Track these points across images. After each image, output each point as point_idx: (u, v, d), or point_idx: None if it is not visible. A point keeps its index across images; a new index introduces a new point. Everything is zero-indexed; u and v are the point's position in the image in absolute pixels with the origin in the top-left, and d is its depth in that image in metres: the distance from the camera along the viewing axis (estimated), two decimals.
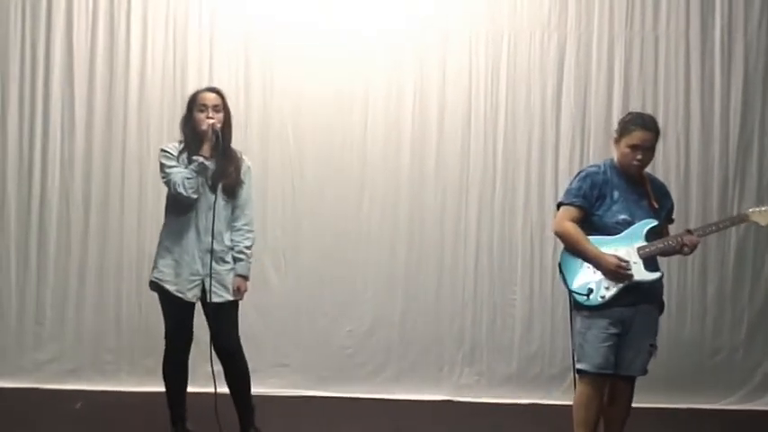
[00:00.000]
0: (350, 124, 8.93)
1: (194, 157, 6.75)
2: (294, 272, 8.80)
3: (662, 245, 6.31)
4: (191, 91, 8.24)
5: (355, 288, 8.93)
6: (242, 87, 8.77)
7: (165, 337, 6.97)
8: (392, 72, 8.94)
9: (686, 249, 6.35)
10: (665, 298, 6.76)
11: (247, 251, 6.91)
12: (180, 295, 6.78)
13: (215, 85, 7.92)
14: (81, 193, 8.78)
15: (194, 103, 6.89)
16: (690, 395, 8.81)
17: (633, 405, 6.56)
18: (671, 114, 8.92)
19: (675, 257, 8.18)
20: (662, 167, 8.55)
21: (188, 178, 6.69)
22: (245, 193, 6.96)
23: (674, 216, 6.67)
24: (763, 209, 6.49)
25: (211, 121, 6.78)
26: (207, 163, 6.71)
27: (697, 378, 8.90)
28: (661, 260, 6.50)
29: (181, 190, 6.66)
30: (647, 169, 6.66)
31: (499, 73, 8.94)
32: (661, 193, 6.53)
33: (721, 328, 9.02)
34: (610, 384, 6.46)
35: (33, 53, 8.77)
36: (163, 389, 7.59)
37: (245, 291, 6.90)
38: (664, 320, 8.02)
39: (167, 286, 6.78)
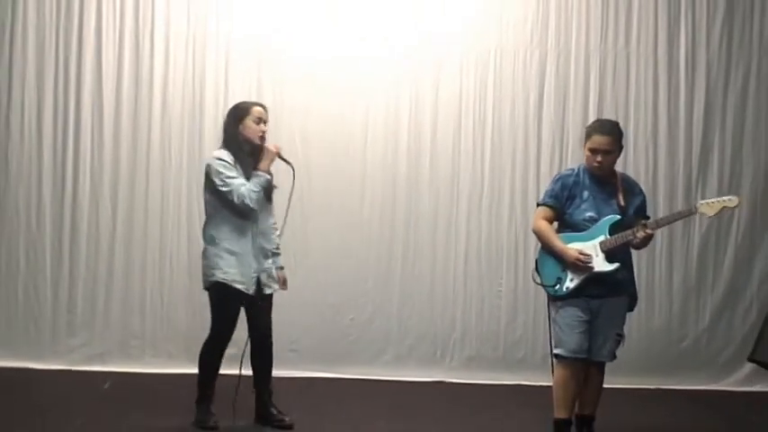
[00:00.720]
0: (352, 136, 9.17)
1: (260, 173, 6.88)
2: (302, 268, 8.91)
3: (620, 239, 6.55)
4: (209, 104, 8.76)
5: (357, 282, 9.16)
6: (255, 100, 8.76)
7: (214, 330, 7.05)
8: (390, 88, 9.18)
9: (636, 241, 6.57)
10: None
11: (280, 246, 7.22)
12: (247, 292, 6.93)
13: (229, 99, 8.32)
14: (109, 197, 8.96)
15: (248, 114, 6.98)
16: (659, 377, 9.10)
17: (609, 386, 6.88)
18: (640, 122, 9.23)
19: (645, 252, 8.62)
20: (632, 169, 8.75)
21: (255, 191, 6.81)
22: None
23: (648, 213, 6.86)
24: (709, 201, 6.67)
25: (278, 144, 7.04)
26: (270, 179, 6.95)
27: (665, 362, 9.19)
28: (632, 254, 6.80)
29: (248, 203, 6.79)
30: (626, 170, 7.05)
31: (486, 86, 9.22)
32: (631, 191, 6.80)
33: (687, 316, 9.31)
34: (584, 368, 6.74)
35: (66, 71, 8.94)
36: (182, 370, 8.05)
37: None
38: (634, 310, 8.52)
39: (236, 285, 6.89)
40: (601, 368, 6.83)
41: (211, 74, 9.08)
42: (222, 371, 7.12)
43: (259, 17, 9.10)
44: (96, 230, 9.01)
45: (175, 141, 9.05)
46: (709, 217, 6.93)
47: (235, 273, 6.92)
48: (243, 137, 6.97)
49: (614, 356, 6.79)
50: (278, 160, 7.05)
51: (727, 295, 9.38)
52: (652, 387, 9.03)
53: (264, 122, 7.02)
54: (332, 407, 7.95)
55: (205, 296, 7.15)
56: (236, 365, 7.01)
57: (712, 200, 6.73)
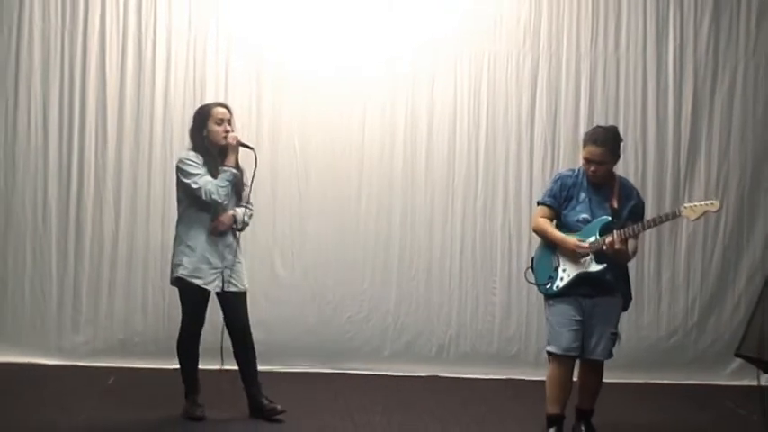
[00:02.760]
0: (349, 136, 9.15)
1: (225, 168, 6.96)
2: (300, 265, 9.00)
3: (599, 243, 6.55)
4: None
5: (354, 279, 9.15)
6: (254, 103, 8.95)
7: (182, 324, 7.22)
8: (386, 91, 9.17)
9: (605, 248, 6.52)
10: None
11: (250, 209, 7.26)
12: (206, 287, 7.01)
13: (230, 102, 8.33)
14: (112, 196, 8.94)
15: (209, 117, 7.07)
16: (649, 372, 9.12)
17: (603, 380, 6.89)
18: (630, 123, 9.25)
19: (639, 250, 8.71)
20: (622, 169, 8.48)
21: (221, 186, 6.91)
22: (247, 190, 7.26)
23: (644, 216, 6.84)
24: (693, 204, 6.63)
25: (235, 134, 7.03)
26: (237, 173, 7.01)
27: (655, 357, 9.22)
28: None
29: (215, 197, 6.89)
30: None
31: (481, 89, 9.22)
32: (627, 196, 6.80)
33: (676, 313, 9.33)
34: (582, 365, 6.84)
35: (71, 74, 8.91)
36: (177, 366, 7.78)
37: (224, 223, 7.06)
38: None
39: (195, 281, 6.99)
40: (598, 366, 6.85)
41: (212, 76, 9.06)
42: (225, 366, 7.24)
43: (258, 22, 9.09)
44: (100, 229, 8.99)
45: (177, 142, 8.96)
46: (693, 220, 6.89)
47: (195, 269, 7.01)
48: (208, 141, 7.08)
49: (611, 354, 6.80)
50: (242, 149, 7.14)
51: (715, 292, 9.41)
52: (642, 382, 9.03)
53: (227, 121, 7.08)
54: (330, 401, 7.97)
55: None
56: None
57: (694, 203, 6.69)
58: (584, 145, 6.73)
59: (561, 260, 6.76)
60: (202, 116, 7.14)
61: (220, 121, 7.05)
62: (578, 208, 6.78)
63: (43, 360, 8.78)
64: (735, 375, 9.14)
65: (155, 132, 9.04)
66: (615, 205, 6.74)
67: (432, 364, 9.18)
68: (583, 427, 6.94)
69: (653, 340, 9.31)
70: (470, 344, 9.25)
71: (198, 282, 7.00)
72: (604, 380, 6.98)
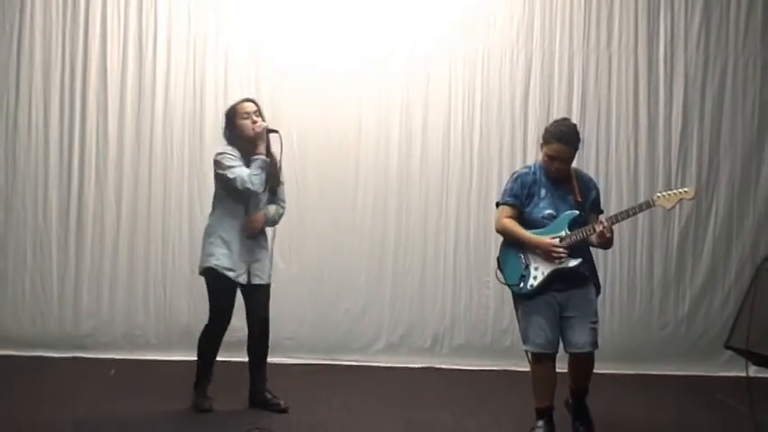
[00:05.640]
0: (345, 132, 9.15)
1: (256, 157, 6.90)
2: (298, 260, 9.01)
3: (580, 235, 6.44)
4: (209, 104, 8.73)
5: (351, 273, 9.16)
6: None
7: (212, 316, 7.11)
8: (382, 88, 9.17)
9: (593, 237, 6.44)
10: (617, 282, 7.13)
11: (282, 208, 7.27)
12: (237, 279, 6.99)
13: (229, 99, 8.30)
14: (113, 194, 8.96)
15: (236, 115, 7.06)
16: (642, 363, 9.10)
17: (595, 371, 6.78)
18: (622, 119, 9.26)
19: (627, 244, 8.69)
20: (614, 164, 8.95)
21: (255, 175, 6.84)
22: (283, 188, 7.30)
23: (602, 207, 6.77)
24: (666, 193, 6.52)
25: (263, 123, 7.00)
26: (268, 159, 6.94)
27: (647, 349, 9.22)
28: (614, 248, 6.86)
29: (249, 185, 6.82)
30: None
31: (475, 85, 9.22)
32: (586, 187, 6.67)
33: (667, 306, 9.33)
34: (571, 358, 6.66)
35: (72, 73, 8.93)
36: (183, 357, 8.02)
37: (258, 221, 7.06)
38: (617, 300, 8.46)
39: (227, 272, 6.96)
40: (586, 357, 6.66)
41: (211, 75, 9.06)
42: (228, 358, 7.32)
43: (256, 20, 9.08)
44: (101, 225, 8.98)
45: (177, 140, 9.04)
46: (668, 209, 6.80)
47: (227, 261, 6.95)
48: (240, 136, 7.03)
49: (596, 345, 6.63)
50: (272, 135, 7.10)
51: (706, 285, 9.39)
52: (633, 373, 9.00)
53: (254, 114, 7.05)
54: (327, 392, 7.95)
55: (204, 286, 7.16)
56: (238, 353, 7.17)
57: (668, 192, 6.58)
58: (548, 142, 6.55)
59: (531, 258, 6.59)
60: (231, 114, 7.12)
61: (247, 115, 7.03)
62: (541, 204, 6.62)
63: (45, 353, 8.73)
64: (724, 367, 9.07)
65: (155, 129, 9.05)
66: (579, 199, 6.59)
67: (426, 355, 9.17)
68: (578, 421, 6.89)
69: (645, 333, 9.29)
70: (464, 336, 9.24)
71: (230, 274, 6.98)
72: (595, 370, 6.87)
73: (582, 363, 6.69)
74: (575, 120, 8.71)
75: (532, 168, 6.75)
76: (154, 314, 9.02)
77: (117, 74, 8.99)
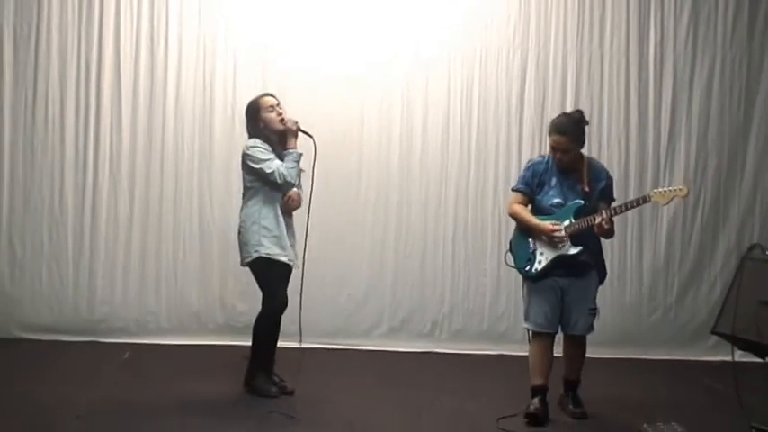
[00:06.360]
0: (349, 128, 9.23)
1: (290, 151, 6.98)
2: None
3: (582, 224, 6.62)
4: (219, 100, 8.79)
5: (353, 261, 9.25)
6: None
7: (267, 303, 7.08)
8: (384, 83, 9.23)
9: (596, 229, 6.60)
10: (608, 269, 7.20)
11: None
12: (290, 263, 7.06)
13: (237, 95, 8.47)
14: (127, 184, 9.01)
15: (260, 109, 7.05)
16: (632, 348, 9.20)
17: (588, 355, 6.97)
18: (613, 115, 9.33)
19: (618, 234, 8.62)
20: (606, 158, 8.84)
21: (291, 167, 6.91)
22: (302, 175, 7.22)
23: (614, 195, 6.91)
24: (663, 189, 6.72)
25: (293, 118, 7.05)
26: (302, 153, 7.03)
27: (637, 334, 9.32)
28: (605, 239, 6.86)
29: (290, 180, 6.90)
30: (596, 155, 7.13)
31: (473, 83, 9.30)
32: (597, 177, 6.84)
33: (656, 292, 9.42)
34: (565, 340, 6.90)
35: (87, 69, 8.97)
36: (193, 342, 8.35)
37: (296, 199, 7.07)
38: (608, 287, 8.44)
39: (280, 258, 6.98)
40: (579, 341, 6.91)
41: (220, 71, 9.12)
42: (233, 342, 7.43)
43: (264, 20, 9.16)
44: (115, 215, 9.05)
45: (187, 134, 9.11)
46: (663, 205, 6.92)
47: (277, 248, 6.99)
48: (267, 129, 7.05)
49: (591, 329, 6.87)
50: (301, 135, 7.13)
51: (693, 273, 9.50)
52: (624, 357, 9.09)
53: (278, 106, 7.08)
54: (331, 375, 8.05)
55: (213, 274, 7.32)
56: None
57: (664, 189, 6.76)
58: (549, 134, 6.79)
59: (537, 244, 6.81)
60: (254, 109, 7.12)
61: (271, 109, 7.06)
62: (551, 193, 6.82)
63: (61, 337, 8.81)
64: (711, 351, 9.15)
65: (167, 124, 9.10)
66: (586, 189, 6.77)
67: (426, 340, 9.27)
68: (570, 400, 7.00)
69: (635, 319, 9.39)
70: (462, 321, 9.34)
71: (283, 258, 7.01)
72: (589, 355, 7.04)
73: (575, 345, 6.91)
74: None
75: (546, 158, 6.94)
76: (165, 300, 9.07)
77: (130, 71, 9.04)
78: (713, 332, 6.89)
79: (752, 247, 6.80)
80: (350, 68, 9.19)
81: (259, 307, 7.19)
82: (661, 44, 9.43)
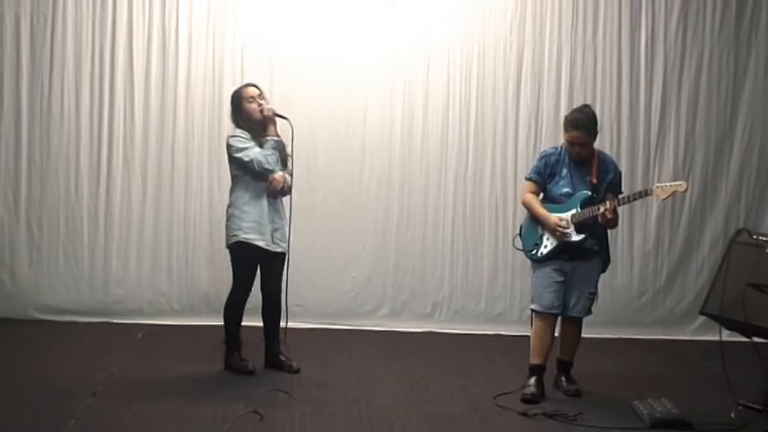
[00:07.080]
0: (353, 116, 9.27)
1: (268, 138, 7.05)
2: (308, 232, 9.04)
3: (587, 213, 6.77)
4: (227, 88, 8.54)
5: (357, 244, 9.32)
6: (267, 86, 8.39)
7: (237, 286, 7.21)
8: (386, 73, 9.26)
9: (600, 219, 6.74)
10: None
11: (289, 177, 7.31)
12: (267, 248, 7.09)
13: None
14: (139, 170, 9.06)
15: (241, 99, 7.15)
16: (622, 328, 9.31)
17: (582, 335, 7.10)
18: (606, 106, 9.36)
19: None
20: (597, 147, 8.68)
21: (268, 155, 6.98)
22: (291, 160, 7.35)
23: (622, 188, 7.04)
24: (664, 185, 6.82)
25: (269, 106, 7.14)
26: (280, 140, 7.08)
27: (628, 315, 9.43)
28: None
29: (266, 166, 6.97)
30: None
31: (471, 73, 9.36)
32: (606, 169, 6.97)
33: (646, 275, 9.53)
34: (563, 321, 7.05)
35: (101, 59, 9.00)
36: (204, 322, 8.43)
37: (278, 180, 7.09)
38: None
39: (257, 242, 7.05)
40: (577, 322, 7.05)
41: (229, 61, 9.15)
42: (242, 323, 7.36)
43: (271, 12, 9.20)
44: (128, 200, 9.12)
45: (198, 120, 9.15)
46: (663, 200, 6.98)
47: (256, 232, 7.06)
48: (247, 119, 7.15)
49: (589, 312, 7.03)
50: (279, 119, 7.21)
51: (682, 257, 9.62)
52: (616, 337, 9.19)
53: (259, 96, 7.17)
54: (335, 354, 8.14)
55: (225, 257, 7.30)
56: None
57: (665, 184, 6.88)
58: (566, 129, 6.89)
59: (545, 231, 6.95)
60: (237, 99, 7.23)
61: (252, 99, 7.14)
62: (561, 183, 6.94)
63: (77, 318, 8.92)
64: (699, 331, 9.29)
65: (178, 110, 9.15)
66: (595, 181, 6.89)
67: (426, 321, 9.35)
68: (563, 378, 7.12)
69: (626, 300, 9.49)
70: (461, 303, 9.43)
71: (260, 243, 7.09)
72: (584, 335, 7.16)
73: (572, 326, 7.05)
74: (562, 105, 9.19)
75: (559, 149, 7.07)
76: (177, 282, 9.15)
77: (142, 61, 9.07)
78: (702, 313, 6.99)
79: (739, 232, 6.91)
80: (354, 59, 9.23)
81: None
82: (652, 38, 9.49)
